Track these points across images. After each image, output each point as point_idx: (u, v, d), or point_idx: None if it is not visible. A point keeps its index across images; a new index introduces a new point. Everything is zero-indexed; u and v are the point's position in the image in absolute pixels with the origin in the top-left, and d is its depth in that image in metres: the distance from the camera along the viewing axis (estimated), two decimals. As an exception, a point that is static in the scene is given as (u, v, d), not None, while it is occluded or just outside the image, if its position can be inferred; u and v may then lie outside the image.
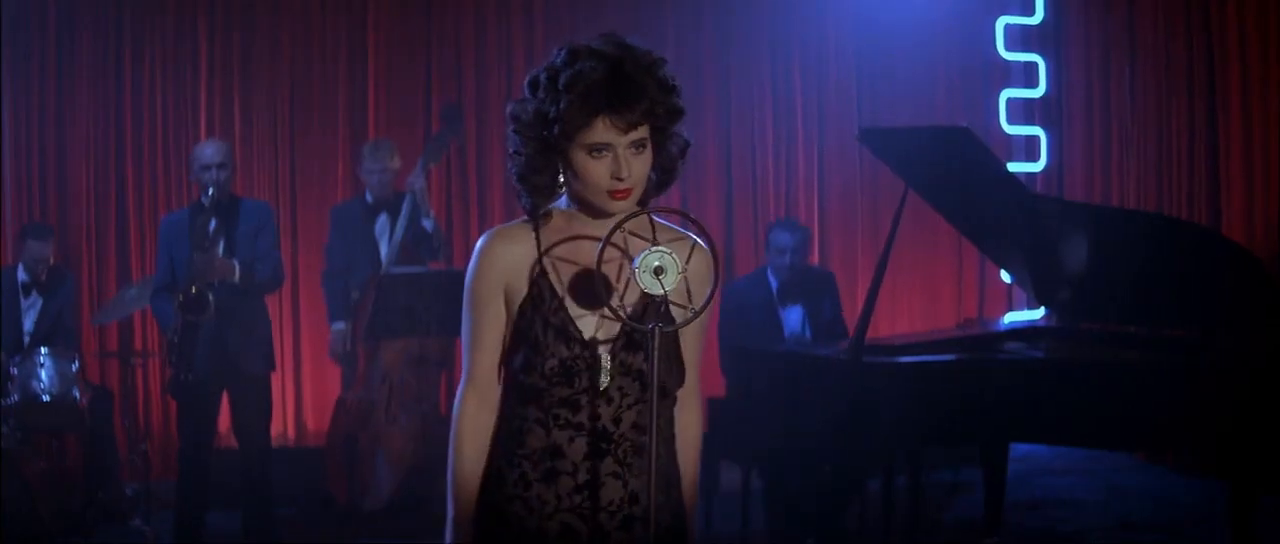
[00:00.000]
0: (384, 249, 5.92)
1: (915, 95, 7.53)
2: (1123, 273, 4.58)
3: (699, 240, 2.21)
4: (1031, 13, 7.73)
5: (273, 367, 5.45)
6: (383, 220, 5.98)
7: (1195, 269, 4.38)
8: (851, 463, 4.59)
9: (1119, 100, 7.42)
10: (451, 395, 7.71)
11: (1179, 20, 7.03)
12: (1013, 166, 7.12)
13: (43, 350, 5.62)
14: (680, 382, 2.25)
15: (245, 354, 5.21)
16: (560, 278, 2.18)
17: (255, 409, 5.30)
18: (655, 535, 2.14)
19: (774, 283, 5.76)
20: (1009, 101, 7.72)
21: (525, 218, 2.23)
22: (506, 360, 2.22)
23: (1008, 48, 7.71)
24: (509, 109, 2.17)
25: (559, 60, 2.10)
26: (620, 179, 2.09)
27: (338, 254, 6.05)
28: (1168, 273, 4.45)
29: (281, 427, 6.89)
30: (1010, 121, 7.71)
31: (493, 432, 2.23)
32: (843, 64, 7.62)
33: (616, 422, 2.17)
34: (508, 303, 2.21)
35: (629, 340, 2.15)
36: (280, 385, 6.83)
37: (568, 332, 2.15)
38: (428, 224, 5.89)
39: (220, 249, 5.15)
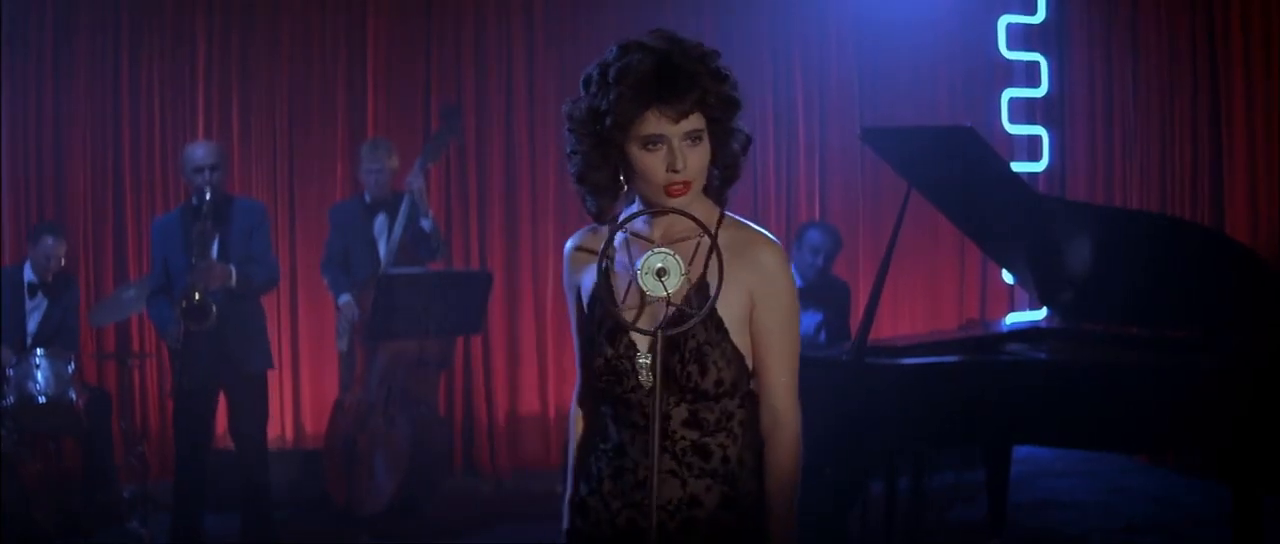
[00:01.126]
0: (382, 249, 5.90)
1: (916, 95, 7.50)
2: (1126, 273, 4.55)
3: (769, 235, 2.19)
4: (1033, 12, 7.69)
5: (271, 365, 5.44)
6: (381, 220, 5.96)
7: (1199, 269, 4.35)
8: (853, 465, 4.55)
9: (1121, 99, 7.38)
10: (450, 397, 7.66)
11: (1182, 18, 7.00)
12: (1015, 167, 7.09)
13: (39, 352, 5.59)
14: (735, 382, 2.15)
15: (244, 355, 5.19)
16: (620, 277, 2.18)
17: (253, 409, 5.29)
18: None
19: (797, 282, 5.73)
20: (1011, 101, 7.68)
21: (593, 226, 2.26)
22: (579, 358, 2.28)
23: (1009, 47, 7.68)
24: (564, 108, 2.15)
25: (610, 56, 2.09)
26: (676, 171, 2.07)
27: (337, 249, 6.04)
28: (1171, 273, 4.42)
29: (279, 428, 6.86)
30: (1012, 121, 7.68)
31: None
32: (844, 63, 7.59)
33: (666, 418, 2.14)
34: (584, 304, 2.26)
35: (669, 340, 2.11)
36: (278, 387, 6.80)
37: (615, 331, 2.15)
38: (426, 224, 5.86)
39: (214, 250, 5.14)
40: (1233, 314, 4.40)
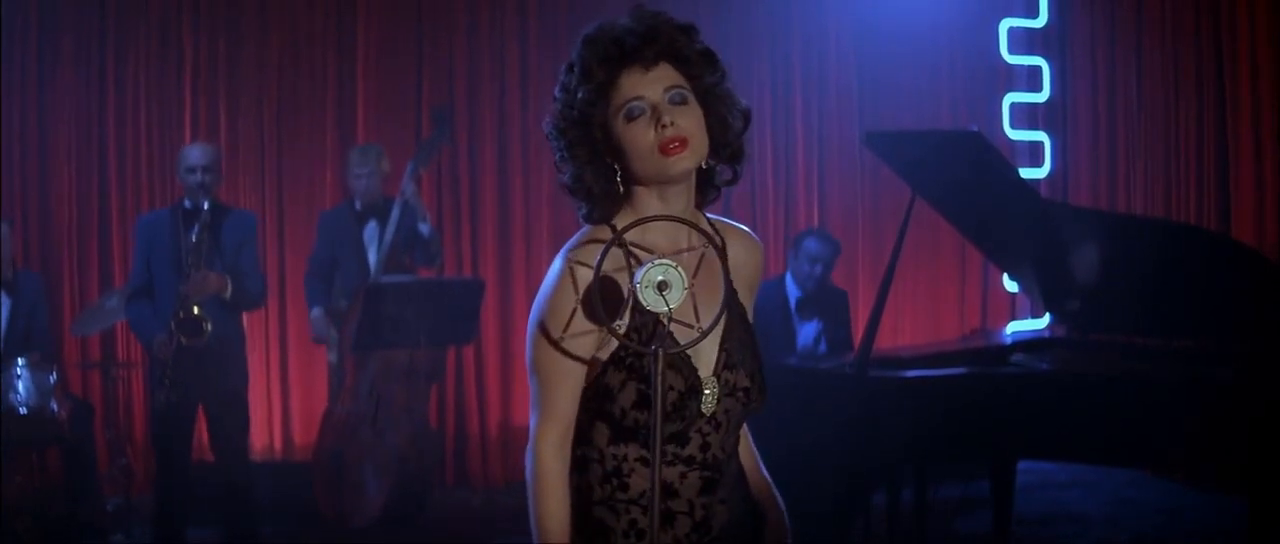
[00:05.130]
0: (372, 257, 5.79)
1: (917, 99, 7.42)
2: (1132, 281, 4.49)
3: (750, 232, 2.13)
4: (1035, 15, 7.60)
5: (246, 382, 5.38)
6: (372, 227, 5.86)
7: (1207, 276, 4.28)
8: (856, 478, 4.47)
9: (1125, 104, 7.31)
10: (441, 408, 7.50)
11: (1186, 21, 6.92)
12: (1016, 172, 7.00)
13: (20, 361, 5.48)
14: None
15: (224, 371, 5.11)
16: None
17: (234, 424, 5.21)
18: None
19: (795, 293, 5.66)
20: (1012, 106, 7.59)
21: (588, 228, 2.02)
22: (600, 398, 1.99)
23: (1011, 51, 7.59)
24: (544, 125, 2.02)
25: (575, 52, 2.01)
26: (665, 126, 1.92)
27: (323, 260, 5.93)
28: (1178, 281, 4.35)
29: (268, 440, 6.75)
30: (1013, 126, 7.59)
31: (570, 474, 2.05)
32: (843, 67, 7.50)
33: (724, 448, 2.03)
34: (598, 336, 1.98)
35: (728, 358, 2.00)
36: (267, 399, 6.70)
37: (680, 361, 1.96)
38: (425, 229, 5.77)
39: (202, 258, 5.03)
40: (1242, 321, 4.34)
